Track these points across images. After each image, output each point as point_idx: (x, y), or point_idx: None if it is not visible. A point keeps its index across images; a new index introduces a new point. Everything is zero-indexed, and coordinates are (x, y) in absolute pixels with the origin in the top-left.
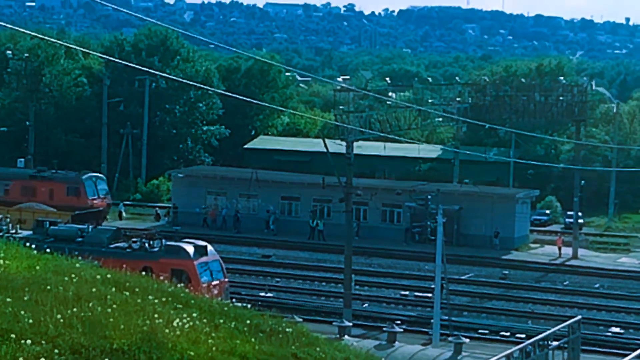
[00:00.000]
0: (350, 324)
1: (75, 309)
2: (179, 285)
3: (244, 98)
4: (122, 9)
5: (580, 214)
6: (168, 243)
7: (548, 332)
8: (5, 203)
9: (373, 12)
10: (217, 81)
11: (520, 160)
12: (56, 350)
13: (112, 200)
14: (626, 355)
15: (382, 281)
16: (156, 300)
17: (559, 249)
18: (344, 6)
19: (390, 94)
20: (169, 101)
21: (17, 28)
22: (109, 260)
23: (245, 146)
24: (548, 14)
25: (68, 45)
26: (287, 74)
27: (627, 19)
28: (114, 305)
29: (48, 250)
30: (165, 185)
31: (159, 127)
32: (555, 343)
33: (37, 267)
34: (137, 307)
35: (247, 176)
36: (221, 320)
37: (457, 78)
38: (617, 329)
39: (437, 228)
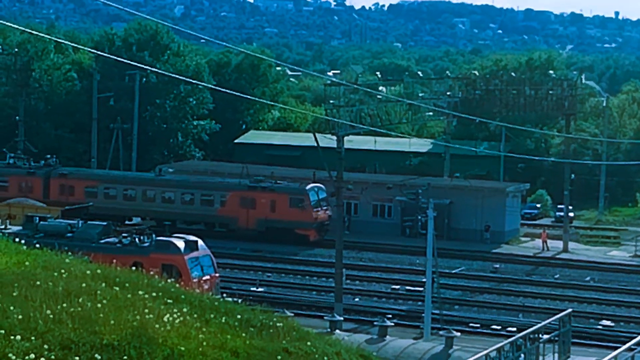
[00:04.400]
0: (342, 318)
1: (64, 305)
2: (169, 281)
3: (235, 93)
4: (112, 4)
5: (570, 207)
6: (158, 238)
7: (539, 325)
8: (217, 217)
9: (363, 7)
10: (208, 76)
11: (511, 154)
12: (46, 346)
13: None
14: (616, 348)
15: (373, 275)
16: (146, 296)
17: (544, 242)
18: (335, 0)
19: (380, 88)
20: (159, 96)
21: (6, 23)
22: (99, 256)
23: (236, 141)
24: (538, 8)
25: (58, 40)
26: (277, 68)
27: (617, 13)
28: (104, 301)
29: (38, 245)
30: None
31: (149, 122)
32: (545, 336)
33: (27, 263)
34: (127, 302)
35: (237, 171)
36: (212, 315)
37: (447, 72)
38: (607, 322)
39: (428, 222)
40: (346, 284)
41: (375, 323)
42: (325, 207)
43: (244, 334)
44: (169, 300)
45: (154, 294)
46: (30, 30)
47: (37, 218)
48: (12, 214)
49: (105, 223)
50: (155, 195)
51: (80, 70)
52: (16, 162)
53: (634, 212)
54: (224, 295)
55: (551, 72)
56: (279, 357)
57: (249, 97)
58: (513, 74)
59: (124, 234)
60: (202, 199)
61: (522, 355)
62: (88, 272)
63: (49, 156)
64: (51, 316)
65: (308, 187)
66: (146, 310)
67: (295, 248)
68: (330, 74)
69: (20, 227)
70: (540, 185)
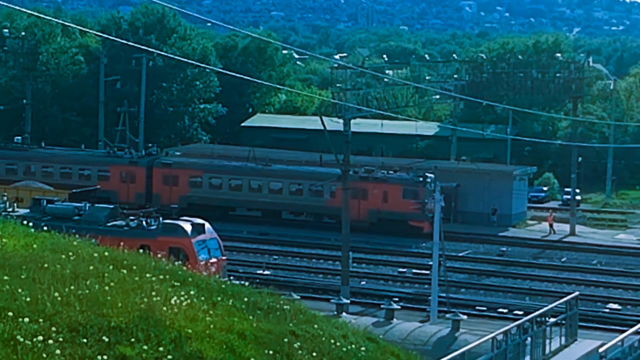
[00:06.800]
0: (348, 301)
1: (72, 287)
2: (176, 263)
3: (241, 76)
4: None
5: (577, 190)
6: (166, 221)
7: (545, 308)
8: (327, 208)
9: None
10: (214, 59)
11: (518, 137)
12: (54, 328)
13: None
14: (624, 331)
15: (379, 258)
16: (154, 278)
17: (550, 225)
18: None
19: (387, 71)
20: (166, 79)
21: (13, 6)
22: (106, 239)
23: (243, 124)
24: None
25: (65, 23)
26: (284, 51)
27: None
28: (112, 283)
29: (45, 228)
30: None
31: (156, 105)
32: (552, 319)
33: (35, 245)
34: (134, 284)
35: (244, 154)
36: (219, 298)
37: (454, 55)
38: (614, 305)
39: (435, 205)
40: (353, 267)
41: (382, 306)
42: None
43: (251, 317)
44: (176, 283)
45: (161, 277)
46: (37, 14)
47: (45, 201)
48: (19, 196)
49: (112, 206)
50: (262, 186)
51: (87, 54)
52: (116, 152)
53: None
54: (231, 278)
55: (558, 55)
56: (286, 340)
57: (255, 80)
58: (520, 57)
59: (131, 217)
60: (311, 190)
61: (529, 338)
62: (95, 254)
63: (150, 145)
64: (59, 299)
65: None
66: (153, 293)
67: (303, 231)
68: (336, 57)
69: (27, 210)
70: (547, 169)
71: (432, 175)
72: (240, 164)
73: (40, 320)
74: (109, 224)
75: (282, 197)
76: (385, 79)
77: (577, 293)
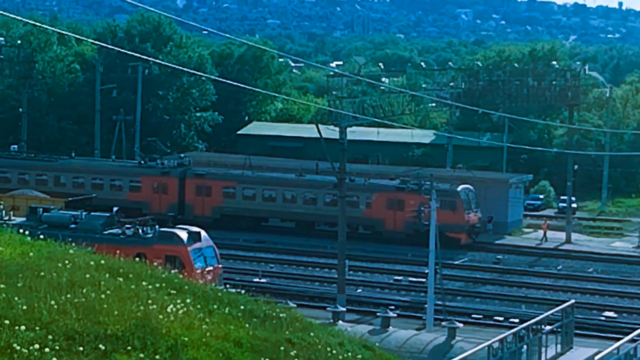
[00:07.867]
0: (344, 309)
1: (69, 295)
2: (172, 271)
3: (237, 84)
4: None
5: (573, 198)
6: (162, 229)
7: (541, 316)
8: (362, 219)
9: None
10: (210, 67)
11: (514, 145)
12: (50, 336)
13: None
14: (619, 339)
15: (375, 266)
16: (150, 286)
17: (544, 233)
18: None
19: (383, 79)
20: (162, 87)
21: (9, 15)
22: (102, 247)
23: (239, 132)
24: None
25: (61, 31)
26: (280, 59)
27: (620, 4)
28: (108, 291)
29: (41, 236)
30: None
31: (152, 114)
32: (548, 327)
33: (31, 254)
34: (131, 293)
35: (240, 162)
36: (215, 306)
37: (450, 63)
38: (610, 313)
39: (431, 213)
40: (349, 275)
41: (378, 314)
42: (475, 209)
43: (247, 325)
44: (172, 291)
45: (157, 285)
46: (33, 22)
47: (41, 209)
48: (16, 205)
49: (108, 214)
50: (296, 196)
51: (83, 62)
52: (148, 162)
53: (637, 203)
54: (227, 286)
55: (554, 62)
56: (282, 348)
57: (251, 88)
58: (516, 64)
59: (127, 225)
60: (347, 200)
61: (525, 346)
62: (92, 263)
63: (182, 155)
64: (55, 307)
65: (459, 188)
66: (150, 301)
67: (299, 239)
68: (332, 65)
69: (24, 219)
70: (543, 176)
71: (469, 186)
72: (275, 174)
73: (37, 328)
74: (105, 232)
75: (317, 208)
76: (382, 87)
77: (573, 301)
